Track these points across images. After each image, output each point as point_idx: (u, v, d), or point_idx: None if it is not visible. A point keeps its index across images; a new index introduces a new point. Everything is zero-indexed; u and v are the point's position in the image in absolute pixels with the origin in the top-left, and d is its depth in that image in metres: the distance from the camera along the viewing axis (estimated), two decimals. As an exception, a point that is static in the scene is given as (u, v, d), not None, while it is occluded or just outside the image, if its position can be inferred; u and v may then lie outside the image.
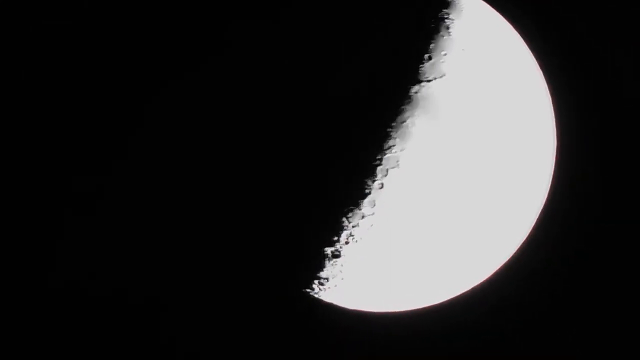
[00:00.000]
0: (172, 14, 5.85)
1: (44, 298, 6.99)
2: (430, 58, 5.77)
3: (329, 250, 5.90)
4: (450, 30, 5.91)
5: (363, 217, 5.76)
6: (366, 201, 5.72)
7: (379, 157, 5.65)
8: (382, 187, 5.70)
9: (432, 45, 5.81)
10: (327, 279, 6.09)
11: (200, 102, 5.87)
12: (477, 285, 6.53)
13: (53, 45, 6.06)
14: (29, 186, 6.65)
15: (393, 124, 5.64)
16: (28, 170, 6.56)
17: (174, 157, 5.87)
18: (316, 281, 6.15)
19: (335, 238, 5.84)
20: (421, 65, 5.73)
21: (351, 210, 5.74)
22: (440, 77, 5.76)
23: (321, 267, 6.01)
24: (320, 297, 6.34)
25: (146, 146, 5.96)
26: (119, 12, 5.94)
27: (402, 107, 5.66)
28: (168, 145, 5.91)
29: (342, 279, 6.06)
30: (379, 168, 5.67)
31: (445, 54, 5.82)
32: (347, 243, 5.86)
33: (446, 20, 5.94)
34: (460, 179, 5.77)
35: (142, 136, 5.97)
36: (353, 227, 5.78)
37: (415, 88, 5.70)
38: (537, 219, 6.64)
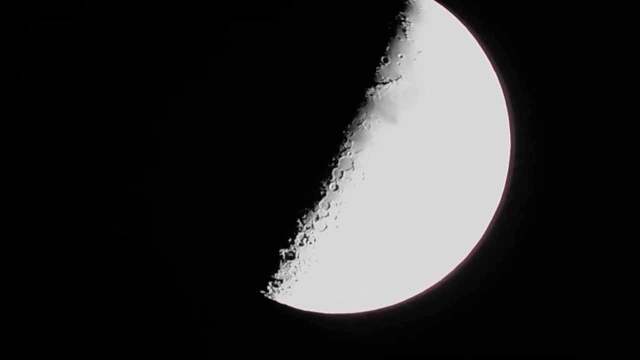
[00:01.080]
0: (172, 14, 5.81)
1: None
2: (386, 60, 5.77)
3: (283, 251, 5.88)
4: (406, 32, 5.92)
5: (317, 218, 5.75)
6: (321, 203, 5.71)
7: (334, 158, 5.64)
8: (336, 189, 5.69)
9: (388, 48, 5.81)
10: (281, 280, 6.07)
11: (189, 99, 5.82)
12: (431, 287, 6.55)
13: (53, 45, 6.01)
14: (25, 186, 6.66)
15: (348, 125, 5.64)
16: (27, 170, 6.56)
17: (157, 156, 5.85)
18: (270, 282, 6.13)
19: (290, 239, 5.82)
20: (377, 68, 5.73)
21: (306, 212, 5.73)
22: (397, 79, 5.76)
23: (275, 268, 5.99)
24: (275, 299, 6.32)
25: (144, 140, 5.93)
26: (118, 12, 5.89)
27: (358, 109, 5.66)
28: (158, 140, 5.87)
29: (297, 280, 6.04)
30: (334, 170, 5.66)
31: (401, 56, 5.82)
32: (301, 244, 5.84)
33: (403, 22, 5.94)
34: (416, 181, 5.78)
35: (141, 132, 5.94)
36: (307, 228, 5.77)
37: (371, 90, 5.69)
38: (492, 219, 6.67)
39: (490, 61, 6.46)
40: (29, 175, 6.58)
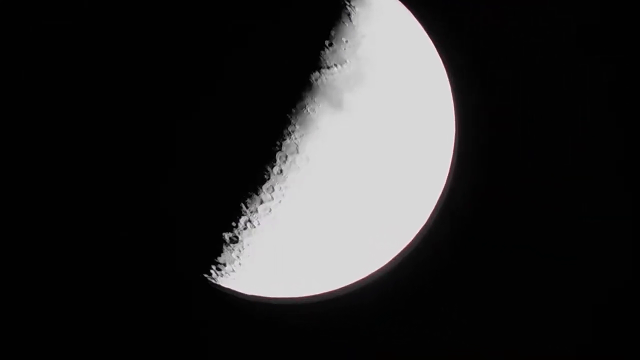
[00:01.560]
0: (171, 14, 5.76)
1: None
2: (331, 45, 5.78)
3: (226, 235, 5.87)
4: (351, 17, 5.93)
5: (261, 202, 5.74)
6: (265, 187, 5.70)
7: (278, 143, 5.64)
8: (281, 173, 5.69)
9: (333, 32, 5.81)
10: (224, 264, 6.07)
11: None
12: (375, 272, 6.59)
13: (53, 45, 5.93)
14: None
15: (293, 110, 5.64)
16: (28, 170, 6.53)
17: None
18: (214, 266, 6.12)
19: (233, 223, 5.81)
20: (322, 52, 5.73)
21: (249, 196, 5.72)
22: (342, 64, 5.77)
23: (219, 252, 5.98)
24: (218, 283, 6.31)
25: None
26: (118, 12, 5.83)
27: (303, 93, 5.66)
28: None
29: (240, 264, 6.04)
30: (278, 154, 5.66)
31: (346, 41, 5.83)
32: (245, 229, 5.84)
33: (347, 7, 5.95)
34: (361, 166, 5.80)
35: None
36: (251, 212, 5.77)
37: (316, 75, 5.70)
38: (436, 205, 6.73)
39: (436, 47, 6.50)
40: (29, 174, 6.57)
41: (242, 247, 5.92)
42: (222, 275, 6.18)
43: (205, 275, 6.23)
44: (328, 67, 5.73)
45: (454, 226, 7.65)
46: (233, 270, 6.10)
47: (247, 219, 5.79)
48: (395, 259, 6.73)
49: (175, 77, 5.60)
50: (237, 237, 5.88)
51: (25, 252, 7.15)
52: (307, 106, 5.67)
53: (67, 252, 6.90)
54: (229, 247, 5.93)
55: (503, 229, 7.80)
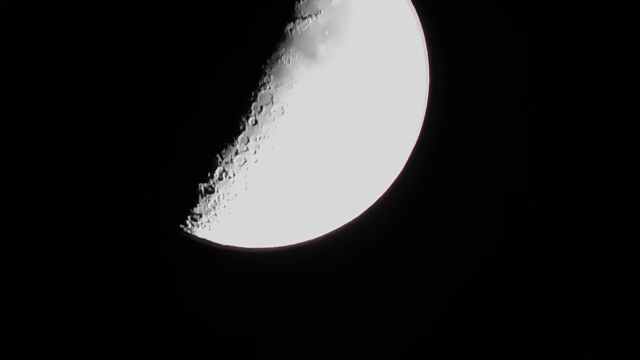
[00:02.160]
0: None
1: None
2: (305, -5, 5.77)
3: (202, 186, 5.90)
4: (326, -33, 5.91)
5: (237, 153, 5.76)
6: (240, 137, 5.72)
7: (252, 93, 5.65)
8: (255, 124, 5.71)
9: (307, -18, 5.80)
10: (200, 214, 6.10)
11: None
12: (348, 222, 6.65)
13: (53, 45, 5.88)
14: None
15: (267, 60, 5.64)
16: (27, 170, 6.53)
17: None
18: (189, 217, 6.15)
19: (209, 174, 5.83)
20: (296, 3, 5.73)
21: (225, 147, 5.74)
22: (316, 14, 5.77)
23: (194, 203, 6.01)
24: (194, 233, 6.34)
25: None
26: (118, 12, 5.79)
27: (277, 43, 5.66)
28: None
29: (216, 214, 6.07)
30: (253, 104, 5.67)
31: (320, -8, 5.83)
32: (220, 179, 5.86)
33: (322, -43, 5.94)
34: (335, 116, 5.83)
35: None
36: (226, 163, 5.79)
37: (290, 25, 5.69)
38: (410, 155, 6.77)
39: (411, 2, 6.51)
40: (30, 173, 6.57)
41: (218, 197, 5.95)
42: (197, 225, 6.21)
43: (181, 226, 6.26)
44: (303, 18, 5.72)
45: (424, 176, 7.71)
46: (208, 221, 6.13)
47: (222, 169, 5.82)
48: (369, 208, 6.78)
49: (156, 32, 5.58)
50: (212, 188, 5.90)
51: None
52: (281, 57, 5.67)
53: (50, 206, 6.91)
54: (204, 197, 5.96)
55: (472, 179, 7.90)
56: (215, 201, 5.97)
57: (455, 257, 7.93)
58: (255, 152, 5.77)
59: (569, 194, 7.93)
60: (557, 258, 7.94)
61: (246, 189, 5.91)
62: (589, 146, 7.87)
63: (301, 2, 5.74)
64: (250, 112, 5.68)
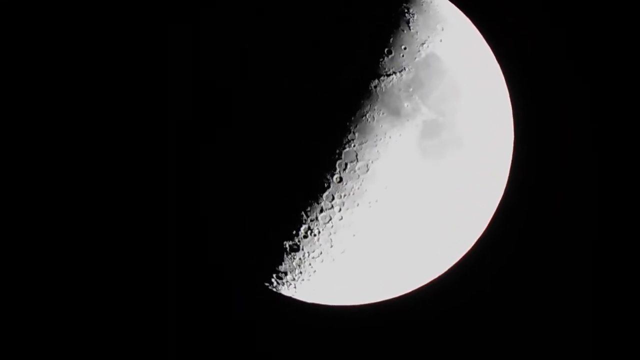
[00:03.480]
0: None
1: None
2: (390, 52, 5.77)
3: (287, 244, 5.89)
4: (410, 24, 5.92)
5: (322, 210, 5.75)
6: (325, 195, 5.71)
7: (337, 151, 5.64)
8: (340, 181, 5.69)
9: (391, 40, 5.81)
10: (285, 272, 6.08)
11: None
12: (433, 280, 6.56)
13: (53, 45, 6.04)
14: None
15: (352, 118, 5.64)
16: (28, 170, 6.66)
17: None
18: (275, 275, 6.14)
19: (294, 232, 5.83)
20: (381, 60, 5.73)
21: (310, 204, 5.73)
22: (400, 71, 5.76)
23: (280, 261, 6.00)
24: (280, 291, 6.33)
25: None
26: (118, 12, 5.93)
27: (362, 101, 5.66)
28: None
29: (301, 272, 6.05)
30: (337, 162, 5.66)
31: (405, 49, 5.82)
32: (305, 237, 5.85)
33: (406, 14, 5.94)
34: (421, 173, 5.78)
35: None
36: (311, 221, 5.78)
37: (375, 82, 5.70)
38: (495, 215, 6.68)
39: (495, 55, 6.46)
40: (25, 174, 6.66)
41: (303, 255, 5.94)
42: (283, 283, 6.19)
43: (267, 284, 6.25)
44: (387, 75, 5.72)
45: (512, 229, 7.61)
46: (294, 279, 6.11)
47: (308, 227, 5.81)
48: (453, 267, 6.69)
49: (245, 89, 5.64)
50: (297, 246, 5.89)
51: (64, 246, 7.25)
52: (366, 114, 5.67)
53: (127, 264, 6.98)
54: (289, 255, 5.95)
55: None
56: (300, 259, 5.96)
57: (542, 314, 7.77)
58: (340, 210, 5.75)
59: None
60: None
61: (331, 247, 5.88)
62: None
63: (385, 58, 5.75)
64: (335, 169, 5.67)
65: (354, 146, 5.66)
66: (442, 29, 6.04)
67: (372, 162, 5.68)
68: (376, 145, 5.68)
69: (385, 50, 5.77)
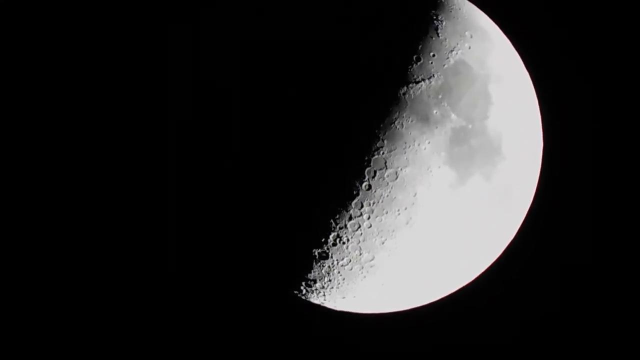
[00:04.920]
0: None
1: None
2: (418, 59, 5.76)
3: (316, 251, 5.88)
4: (438, 31, 5.90)
5: (350, 218, 5.74)
6: (354, 203, 5.70)
7: (366, 158, 5.63)
8: (369, 189, 5.68)
9: (420, 47, 5.79)
10: (314, 280, 6.07)
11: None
12: (463, 287, 6.53)
13: (53, 46, 6.07)
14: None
15: (381, 125, 5.63)
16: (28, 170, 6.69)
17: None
18: (304, 283, 6.13)
19: (323, 239, 5.82)
20: (409, 67, 5.72)
21: (339, 212, 5.72)
22: (429, 78, 5.75)
23: (309, 268, 5.99)
24: (309, 299, 6.32)
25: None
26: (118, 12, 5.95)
27: (390, 108, 5.65)
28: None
29: (330, 280, 6.04)
30: (367, 169, 5.65)
31: (433, 55, 5.81)
32: (334, 245, 5.84)
33: (435, 21, 5.93)
34: (449, 178, 5.76)
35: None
36: (340, 228, 5.76)
37: (404, 89, 5.68)
38: (521, 226, 6.65)
39: (523, 60, 6.44)
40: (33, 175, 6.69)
41: (332, 263, 5.92)
42: (312, 291, 6.18)
43: (296, 292, 6.24)
44: (416, 82, 5.71)
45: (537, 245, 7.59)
46: (323, 287, 6.10)
47: (337, 234, 5.79)
48: (481, 275, 6.66)
49: (270, 98, 5.64)
50: (326, 253, 5.88)
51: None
52: (395, 121, 5.65)
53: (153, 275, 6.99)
54: (318, 263, 5.94)
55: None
56: (329, 267, 5.95)
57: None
58: (369, 217, 5.74)
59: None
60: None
61: (360, 254, 5.87)
62: None
63: (414, 65, 5.73)
64: (364, 177, 5.66)
65: (383, 153, 5.64)
66: (471, 37, 6.02)
67: (401, 169, 5.67)
68: (405, 153, 5.66)
69: (414, 57, 5.76)
